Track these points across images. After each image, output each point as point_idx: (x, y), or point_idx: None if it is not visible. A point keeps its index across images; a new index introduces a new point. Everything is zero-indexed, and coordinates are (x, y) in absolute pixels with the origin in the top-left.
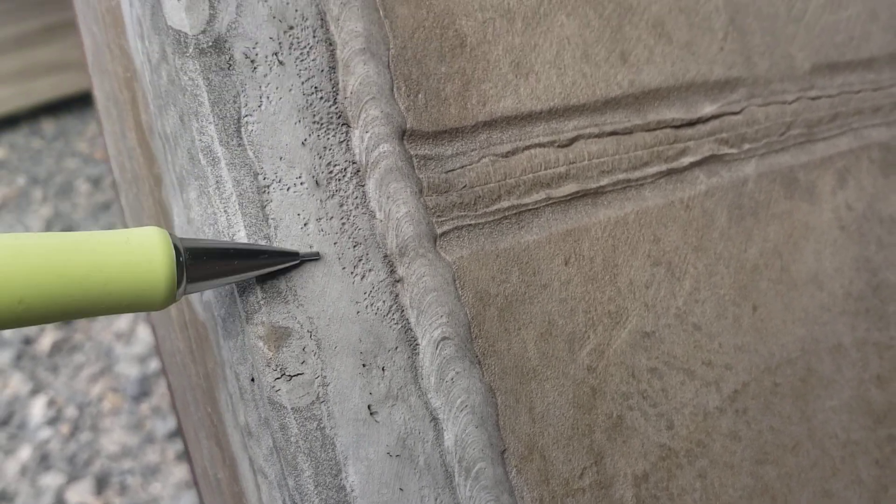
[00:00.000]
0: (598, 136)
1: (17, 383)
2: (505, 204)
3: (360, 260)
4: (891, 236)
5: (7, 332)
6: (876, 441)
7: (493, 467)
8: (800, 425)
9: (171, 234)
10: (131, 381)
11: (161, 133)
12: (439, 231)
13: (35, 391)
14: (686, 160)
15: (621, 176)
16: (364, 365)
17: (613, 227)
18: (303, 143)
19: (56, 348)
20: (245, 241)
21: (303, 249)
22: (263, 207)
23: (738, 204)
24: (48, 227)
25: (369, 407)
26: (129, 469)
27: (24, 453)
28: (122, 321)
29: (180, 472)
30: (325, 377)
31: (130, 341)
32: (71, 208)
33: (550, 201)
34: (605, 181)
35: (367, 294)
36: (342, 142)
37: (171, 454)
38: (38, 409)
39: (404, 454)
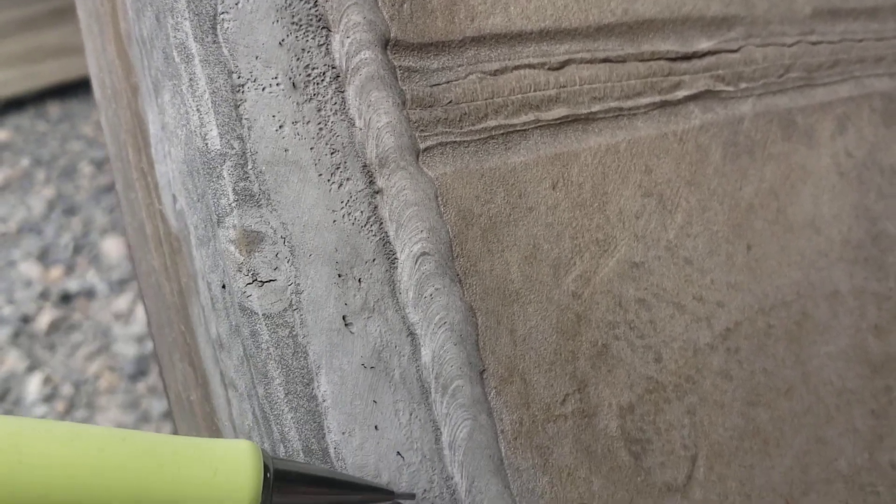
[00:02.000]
0: (591, 61)
1: (14, 360)
2: (492, 123)
3: (337, 168)
4: (891, 187)
5: (5, 310)
6: (872, 391)
7: (472, 386)
8: (794, 369)
9: (263, 452)
10: (128, 361)
11: (138, 38)
12: (422, 146)
13: (31, 368)
14: (680, 93)
15: (613, 104)
16: (340, 275)
17: (604, 154)
18: (280, 43)
19: (54, 327)
20: (218, 142)
21: (398, 489)
22: (237, 107)
23: (734, 142)
24: (50, 207)
25: (344, 318)
26: None
27: None
28: (122, 301)
29: None
30: (298, 284)
31: (129, 321)
32: (74, 190)
33: (539, 124)
34: (596, 108)
35: (344, 203)
36: (322, 45)
37: (166, 432)
38: (34, 387)
39: (379, 367)
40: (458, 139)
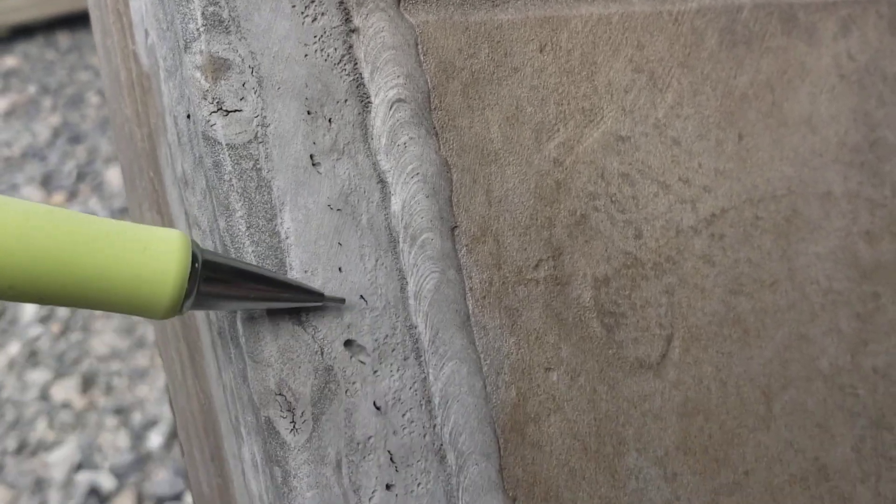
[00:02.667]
0: None
1: None
2: None
3: (312, 1)
4: (893, 95)
5: None
6: (860, 295)
7: (442, 240)
8: (780, 264)
9: (193, 242)
10: None
11: None
12: None
13: None
14: None
15: None
16: (309, 112)
17: (595, 23)
18: None
19: None
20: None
21: (328, 292)
22: None
23: (731, 30)
24: (56, 134)
25: (311, 157)
26: (116, 371)
27: (13, 348)
28: None
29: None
30: (264, 117)
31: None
32: (79, 119)
33: None
34: None
35: (317, 38)
36: None
37: (160, 360)
38: (30, 307)
39: (346, 209)
40: None
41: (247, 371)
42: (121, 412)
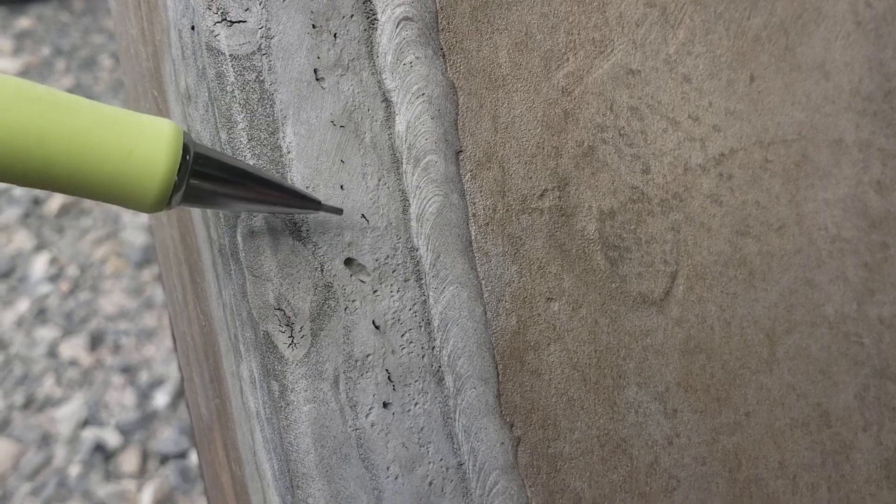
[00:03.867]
0: None
1: (22, 239)
2: None
3: None
4: None
5: (18, 191)
6: (868, 244)
7: (446, 164)
8: (788, 208)
9: (186, 134)
10: (136, 248)
11: None
12: None
13: (39, 248)
14: None
15: None
16: (314, 26)
17: None
18: None
19: (64, 210)
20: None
21: (326, 200)
22: None
23: None
24: None
25: (315, 71)
26: (124, 330)
27: (23, 305)
28: None
29: None
30: (269, 29)
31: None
32: (92, 81)
33: None
34: None
35: None
36: None
37: (168, 321)
38: (40, 265)
39: (349, 126)
40: None
41: (246, 286)
42: (128, 371)
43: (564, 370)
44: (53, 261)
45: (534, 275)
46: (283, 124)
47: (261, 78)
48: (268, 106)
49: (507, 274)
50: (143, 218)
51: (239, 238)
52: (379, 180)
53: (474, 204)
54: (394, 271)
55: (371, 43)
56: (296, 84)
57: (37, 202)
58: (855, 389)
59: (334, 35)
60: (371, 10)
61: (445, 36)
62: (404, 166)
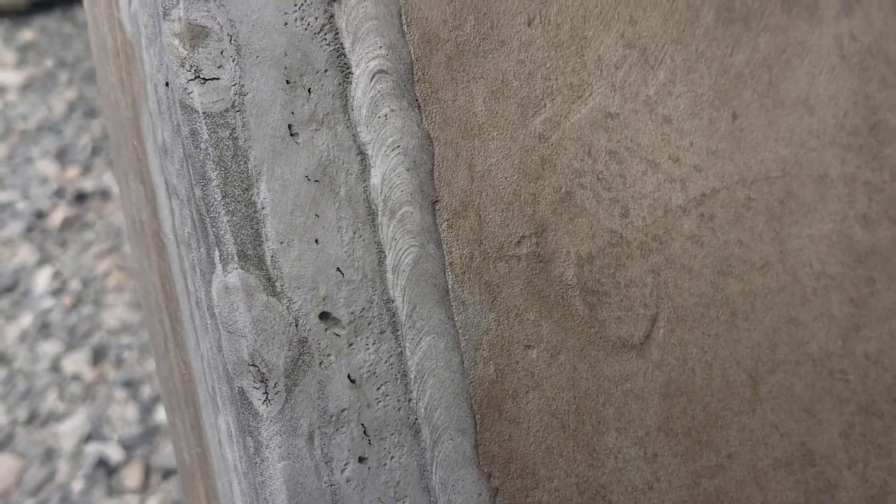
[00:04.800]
0: None
1: (26, 253)
2: None
3: None
4: None
5: (20, 204)
6: (853, 279)
7: (422, 214)
8: (771, 246)
9: None
10: None
11: None
12: None
13: (42, 262)
14: None
15: None
16: (288, 81)
17: None
18: None
19: (67, 224)
20: None
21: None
22: None
23: (728, 6)
24: (71, 109)
25: (290, 126)
26: (127, 344)
27: (26, 320)
28: None
29: None
30: (242, 86)
31: None
32: (95, 94)
33: None
34: None
35: (297, 6)
36: None
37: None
38: (43, 280)
39: (324, 181)
40: None
41: (221, 341)
42: (130, 385)
43: (543, 418)
44: (56, 275)
45: (511, 322)
46: (257, 180)
47: (235, 135)
48: (242, 162)
49: (484, 322)
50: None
51: (213, 293)
52: (354, 233)
53: (451, 253)
54: (369, 324)
55: (345, 97)
56: (270, 140)
57: (40, 216)
58: (840, 427)
59: (308, 90)
60: (345, 63)
61: (421, 87)
62: (380, 218)
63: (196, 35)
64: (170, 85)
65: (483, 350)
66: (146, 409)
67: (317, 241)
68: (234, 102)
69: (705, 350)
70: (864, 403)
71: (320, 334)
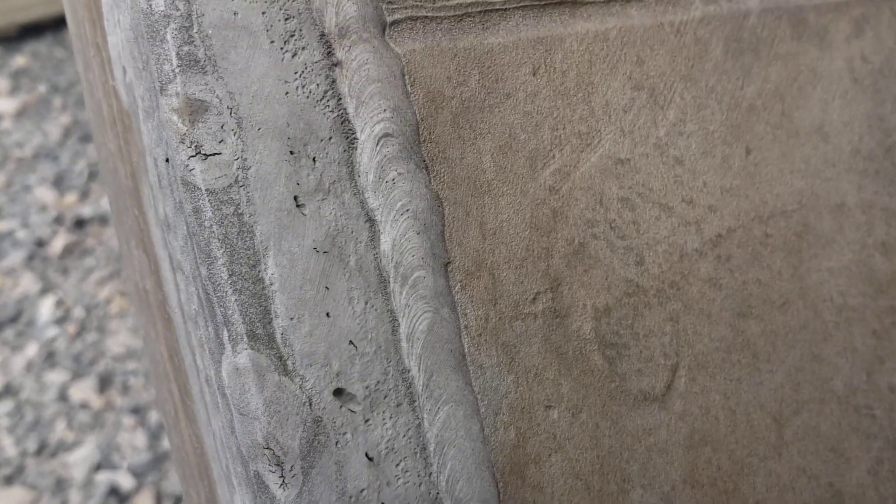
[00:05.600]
0: None
1: (28, 283)
2: None
3: (291, 35)
4: None
5: (20, 233)
6: (875, 310)
7: (434, 278)
8: (791, 282)
9: None
10: None
11: None
12: (389, 19)
13: (44, 291)
14: None
15: None
16: (292, 152)
17: (592, 41)
18: None
19: (67, 251)
20: (162, 3)
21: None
22: None
23: (737, 37)
24: (66, 134)
25: (296, 198)
26: (132, 370)
27: (31, 350)
28: None
29: None
30: (245, 160)
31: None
32: (90, 118)
33: (522, 4)
34: None
35: (298, 74)
36: None
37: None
38: (46, 309)
39: (333, 251)
40: (430, 14)
41: (234, 423)
42: (137, 412)
43: (567, 481)
44: (59, 303)
45: (531, 383)
46: (264, 256)
47: (239, 211)
48: (248, 239)
49: (503, 385)
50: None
51: (224, 374)
52: (366, 303)
53: (466, 315)
54: (385, 397)
55: (351, 163)
56: (276, 214)
57: (40, 244)
58: (868, 464)
59: (313, 159)
60: (349, 129)
61: (427, 147)
62: (392, 286)
63: (195, 110)
64: (170, 161)
65: (503, 414)
66: (154, 436)
67: (328, 314)
68: (237, 177)
69: (728, 396)
70: (891, 438)
71: (335, 412)
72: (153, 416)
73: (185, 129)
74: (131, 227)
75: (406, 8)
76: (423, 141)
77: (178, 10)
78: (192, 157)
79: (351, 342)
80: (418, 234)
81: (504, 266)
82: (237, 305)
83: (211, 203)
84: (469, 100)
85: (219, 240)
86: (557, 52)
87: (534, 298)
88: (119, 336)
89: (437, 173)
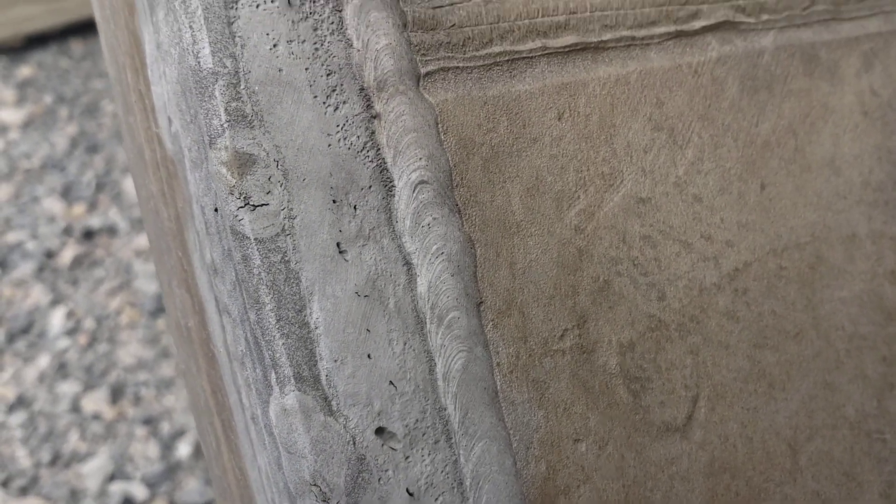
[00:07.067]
0: None
1: (38, 294)
2: (496, 49)
3: (333, 90)
4: None
5: (30, 244)
6: (885, 338)
7: (468, 318)
8: (804, 313)
9: None
10: (149, 297)
11: None
12: (423, 70)
13: (55, 302)
14: (697, 24)
15: (625, 33)
16: (334, 201)
17: (613, 85)
18: None
19: (77, 262)
20: (210, 60)
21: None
22: (230, 24)
23: (752, 76)
24: (73, 144)
25: (338, 244)
26: (143, 381)
27: (43, 361)
28: (143, 238)
29: None
30: (291, 209)
31: (149, 258)
32: (96, 128)
33: (547, 51)
34: (607, 36)
35: (340, 127)
36: None
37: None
38: (57, 320)
39: (374, 295)
40: (461, 64)
41: (281, 460)
42: (149, 422)
43: None
44: (70, 314)
45: (560, 417)
46: (309, 301)
47: (286, 258)
48: (294, 285)
49: (533, 420)
50: (154, 266)
51: (272, 414)
52: (405, 344)
53: (498, 353)
54: (424, 434)
55: (389, 210)
56: (320, 260)
57: (49, 255)
58: (880, 487)
59: (354, 207)
60: (388, 178)
61: (460, 192)
62: (428, 326)
63: (243, 163)
64: (219, 211)
65: (534, 448)
66: (167, 446)
67: (369, 355)
68: (284, 226)
69: (745, 424)
70: None
71: (377, 450)
72: (165, 427)
73: (234, 181)
74: (174, 268)
75: (438, 59)
76: (456, 186)
77: (225, 67)
78: (241, 207)
79: (391, 382)
80: (452, 275)
81: (533, 304)
82: (284, 349)
83: (259, 251)
84: (498, 145)
85: (267, 286)
86: (581, 96)
87: (562, 335)
88: (130, 347)
89: (469, 216)
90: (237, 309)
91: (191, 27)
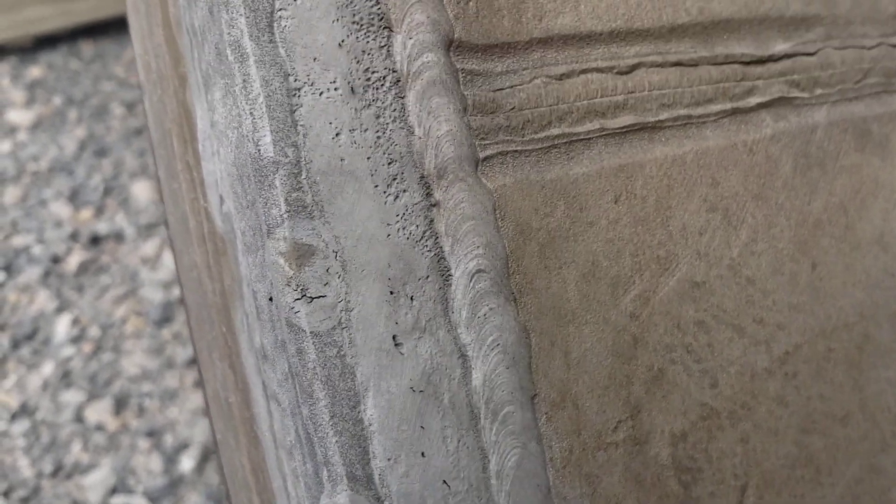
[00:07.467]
0: (661, 65)
1: (44, 300)
2: (555, 131)
3: (394, 179)
4: None
5: (36, 249)
6: None
7: (522, 412)
8: (851, 395)
9: None
10: (154, 306)
11: (189, 27)
12: (482, 155)
13: (60, 309)
14: (753, 100)
15: (682, 111)
16: (392, 292)
17: (670, 165)
18: (340, 44)
19: (83, 268)
20: (272, 149)
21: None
22: (293, 112)
23: (805, 152)
24: (82, 147)
25: (394, 337)
26: (147, 392)
27: (47, 369)
28: (149, 246)
29: (197, 398)
30: (348, 301)
31: (156, 266)
32: (105, 131)
33: (604, 132)
34: (664, 115)
35: (399, 216)
36: (383, 47)
37: (190, 381)
38: (62, 327)
39: (428, 390)
40: (519, 148)
41: None
42: (153, 434)
43: None
44: (75, 321)
45: None
46: (364, 397)
47: (342, 353)
48: (349, 380)
49: None
50: (161, 275)
51: None
52: (458, 441)
53: (551, 448)
54: None
55: (446, 300)
56: (376, 354)
57: (56, 260)
58: None
59: (411, 298)
60: (445, 267)
61: (516, 279)
62: (482, 421)
63: (302, 254)
64: (274, 300)
65: None
66: (170, 460)
67: (423, 454)
68: (340, 319)
69: None
70: None
71: None
72: (168, 440)
73: (292, 272)
74: (215, 340)
75: (497, 143)
76: (512, 273)
77: (287, 156)
78: (298, 300)
79: (444, 482)
80: (507, 368)
81: (587, 395)
82: (338, 447)
83: (315, 345)
84: (555, 230)
85: (321, 381)
86: (638, 178)
87: (615, 427)
88: (134, 356)
89: (524, 305)
90: (288, 400)
91: (251, 114)
